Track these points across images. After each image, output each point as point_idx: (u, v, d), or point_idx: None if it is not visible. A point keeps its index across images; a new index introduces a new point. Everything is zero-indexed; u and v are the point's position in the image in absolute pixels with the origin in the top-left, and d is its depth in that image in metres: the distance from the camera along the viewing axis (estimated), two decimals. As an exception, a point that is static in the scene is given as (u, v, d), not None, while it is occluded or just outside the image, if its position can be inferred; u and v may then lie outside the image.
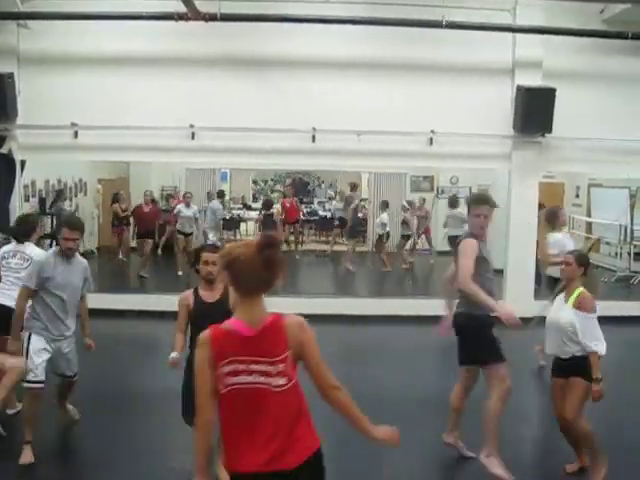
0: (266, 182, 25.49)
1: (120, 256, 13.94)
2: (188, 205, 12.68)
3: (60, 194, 12.81)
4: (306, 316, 2.59)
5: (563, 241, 6.77)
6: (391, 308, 9.53)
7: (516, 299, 8.03)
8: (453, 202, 12.66)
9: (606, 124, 8.95)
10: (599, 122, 8.95)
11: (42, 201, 12.18)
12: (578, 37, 8.72)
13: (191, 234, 12.70)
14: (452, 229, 11.94)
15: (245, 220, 18.24)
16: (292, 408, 2.51)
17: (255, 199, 22.98)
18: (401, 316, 9.19)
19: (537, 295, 8.77)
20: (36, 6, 8.48)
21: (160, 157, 9.68)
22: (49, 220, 11.92)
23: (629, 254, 12.90)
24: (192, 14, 7.98)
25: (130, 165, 15.38)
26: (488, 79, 9.11)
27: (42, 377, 4.71)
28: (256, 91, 9.02)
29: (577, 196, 15.32)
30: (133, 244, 13.71)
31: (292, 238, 15.61)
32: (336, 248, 15.83)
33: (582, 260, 4.50)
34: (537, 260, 8.96)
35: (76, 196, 14.26)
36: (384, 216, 13.67)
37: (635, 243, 12.81)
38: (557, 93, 8.66)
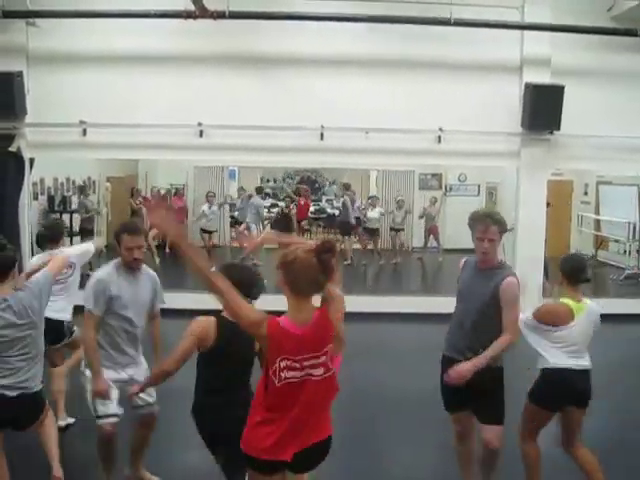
0: (276, 180, 25.43)
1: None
2: (211, 204, 13.46)
3: (82, 190, 12.91)
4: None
5: None
6: (400, 305, 9.48)
7: (523, 297, 7.97)
8: None
9: (615, 121, 8.90)
10: (608, 119, 8.90)
11: (51, 199, 12.25)
12: (586, 34, 8.70)
13: (214, 231, 13.42)
14: None
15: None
16: (327, 395, 2.76)
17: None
18: (409, 314, 9.13)
19: (545, 293, 8.73)
20: (45, 4, 8.50)
21: (168, 155, 9.71)
22: (68, 217, 12.02)
23: (638, 252, 12.87)
24: (200, 12, 8.00)
25: (139, 163, 15.49)
26: (496, 76, 9.07)
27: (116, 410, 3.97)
28: (264, 89, 9.02)
29: (585, 194, 15.27)
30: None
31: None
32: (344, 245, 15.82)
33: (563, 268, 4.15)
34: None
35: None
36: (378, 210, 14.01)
37: (644, 241, 12.76)
38: (565, 90, 8.63)
